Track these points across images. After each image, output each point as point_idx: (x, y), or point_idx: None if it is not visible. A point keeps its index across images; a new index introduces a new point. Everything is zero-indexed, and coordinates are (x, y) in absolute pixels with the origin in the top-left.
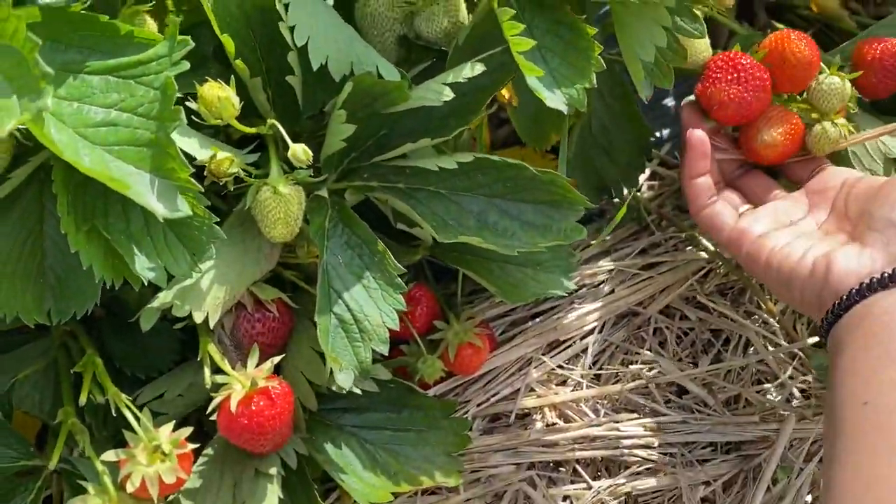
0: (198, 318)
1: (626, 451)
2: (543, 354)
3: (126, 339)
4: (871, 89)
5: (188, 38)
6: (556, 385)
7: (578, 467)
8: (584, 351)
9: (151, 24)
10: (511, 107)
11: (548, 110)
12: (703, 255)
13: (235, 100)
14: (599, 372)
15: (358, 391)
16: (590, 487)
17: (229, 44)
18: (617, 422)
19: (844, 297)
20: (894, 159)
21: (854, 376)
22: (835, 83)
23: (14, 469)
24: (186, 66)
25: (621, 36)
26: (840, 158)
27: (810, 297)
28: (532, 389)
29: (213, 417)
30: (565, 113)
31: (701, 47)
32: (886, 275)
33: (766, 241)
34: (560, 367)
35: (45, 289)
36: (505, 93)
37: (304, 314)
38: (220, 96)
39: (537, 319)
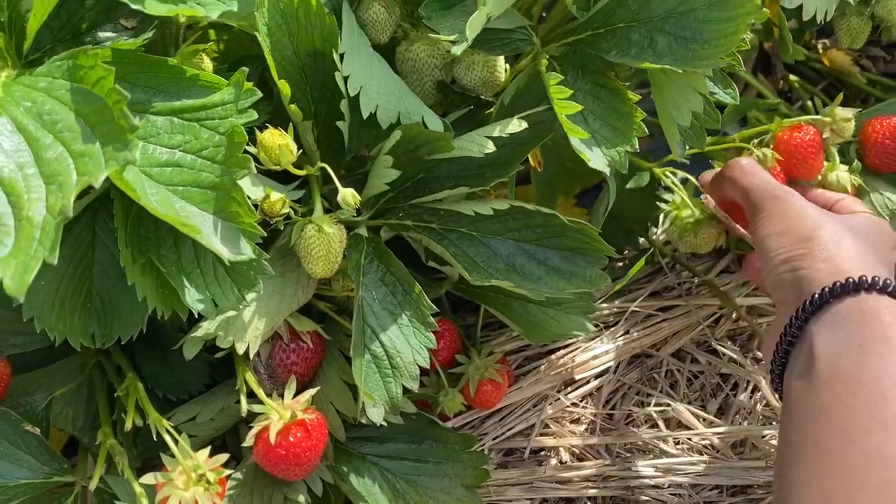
0: (240, 349)
1: (636, 490)
2: (558, 392)
3: (159, 360)
4: (875, 168)
5: (255, 88)
6: (570, 423)
7: None
8: (598, 390)
9: (208, 64)
10: (534, 169)
11: (560, 178)
12: (715, 300)
13: (293, 147)
14: (612, 412)
15: (384, 423)
16: None
17: (286, 88)
18: (628, 462)
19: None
20: None
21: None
22: (842, 177)
23: (49, 485)
24: (254, 115)
25: (659, 100)
26: None
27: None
28: (547, 426)
29: (248, 444)
30: (608, 174)
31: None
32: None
33: None
34: (574, 405)
35: (91, 313)
36: (532, 159)
37: (335, 345)
38: (280, 144)
39: (552, 356)
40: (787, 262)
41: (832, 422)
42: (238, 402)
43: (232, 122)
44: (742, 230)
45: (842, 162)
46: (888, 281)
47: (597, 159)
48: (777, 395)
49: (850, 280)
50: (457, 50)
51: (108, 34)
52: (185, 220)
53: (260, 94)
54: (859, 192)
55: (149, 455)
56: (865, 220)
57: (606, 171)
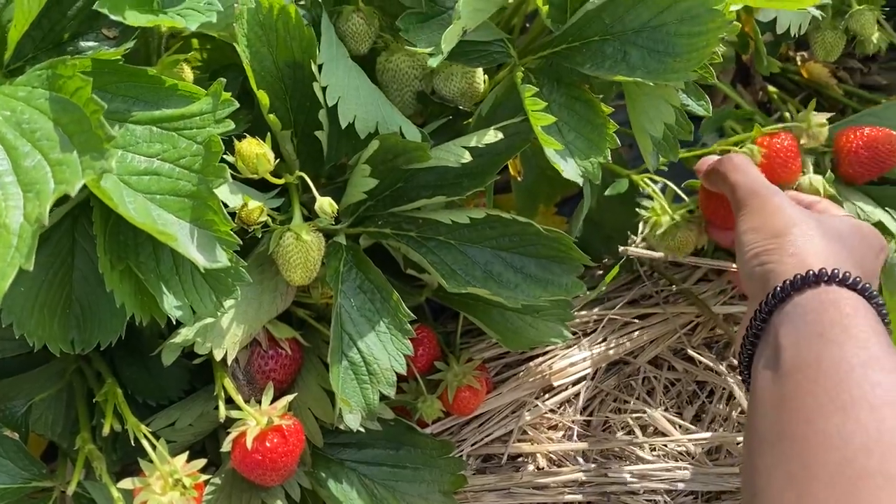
0: (217, 355)
1: (612, 496)
2: (536, 398)
3: (138, 366)
4: (849, 177)
5: (232, 98)
6: (548, 429)
7: None
8: (576, 397)
9: (188, 73)
10: (514, 178)
11: (541, 187)
12: (692, 309)
13: (271, 156)
14: (590, 418)
15: (362, 429)
16: None
17: (265, 98)
18: (605, 468)
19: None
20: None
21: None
22: (815, 180)
23: (27, 490)
24: (231, 125)
25: (633, 112)
26: None
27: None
28: (525, 432)
29: (226, 450)
30: (580, 184)
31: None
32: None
33: None
34: (552, 411)
35: (70, 319)
36: (512, 168)
37: (314, 351)
38: (257, 153)
39: (531, 363)
40: (757, 256)
41: (795, 409)
42: (217, 407)
43: (209, 131)
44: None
45: (816, 172)
46: (848, 274)
47: (570, 170)
48: (746, 387)
49: (811, 272)
50: (433, 62)
51: (90, 43)
52: (161, 228)
53: (237, 105)
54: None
55: (128, 460)
56: (846, 222)
57: (580, 181)
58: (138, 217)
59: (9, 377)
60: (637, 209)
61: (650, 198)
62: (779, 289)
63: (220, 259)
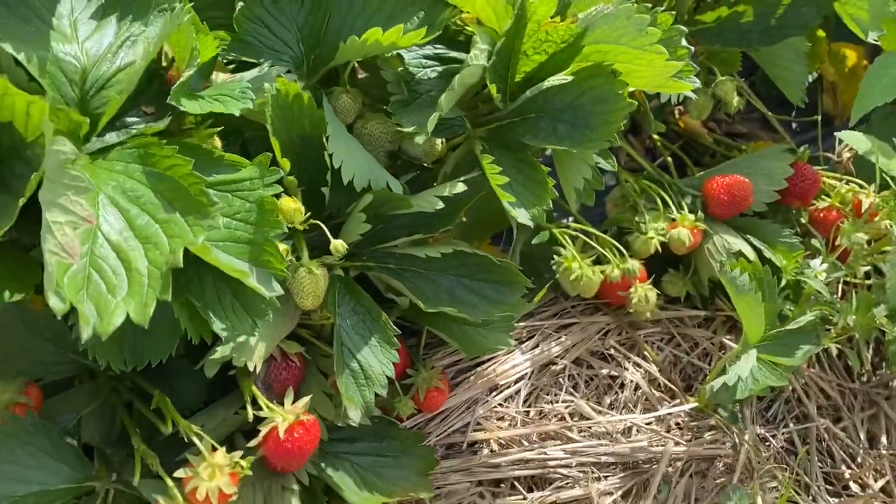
0: (251, 367)
1: (550, 470)
2: (486, 396)
3: (162, 384)
4: (715, 216)
5: (276, 168)
6: (497, 420)
7: (516, 483)
8: (518, 393)
9: (218, 143)
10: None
11: (475, 230)
12: (605, 318)
13: (302, 209)
14: (529, 409)
15: (356, 424)
16: (525, 498)
17: (286, 164)
18: (543, 448)
19: None
20: (735, 253)
21: None
22: (683, 233)
23: (83, 489)
24: (279, 189)
25: (560, 170)
26: (697, 254)
27: None
28: (479, 423)
29: (254, 444)
30: (531, 227)
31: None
32: None
33: None
34: (500, 405)
35: (124, 342)
36: None
37: (314, 363)
38: (293, 208)
39: (479, 368)
40: None
41: None
42: (236, 413)
43: (260, 193)
44: None
45: (690, 211)
46: None
47: (523, 216)
48: None
49: None
50: (419, 140)
51: (133, 119)
52: (238, 267)
53: (281, 174)
54: (705, 235)
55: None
56: None
57: (531, 224)
58: (222, 260)
59: (53, 396)
60: (554, 255)
61: (564, 246)
62: None
63: (277, 289)
